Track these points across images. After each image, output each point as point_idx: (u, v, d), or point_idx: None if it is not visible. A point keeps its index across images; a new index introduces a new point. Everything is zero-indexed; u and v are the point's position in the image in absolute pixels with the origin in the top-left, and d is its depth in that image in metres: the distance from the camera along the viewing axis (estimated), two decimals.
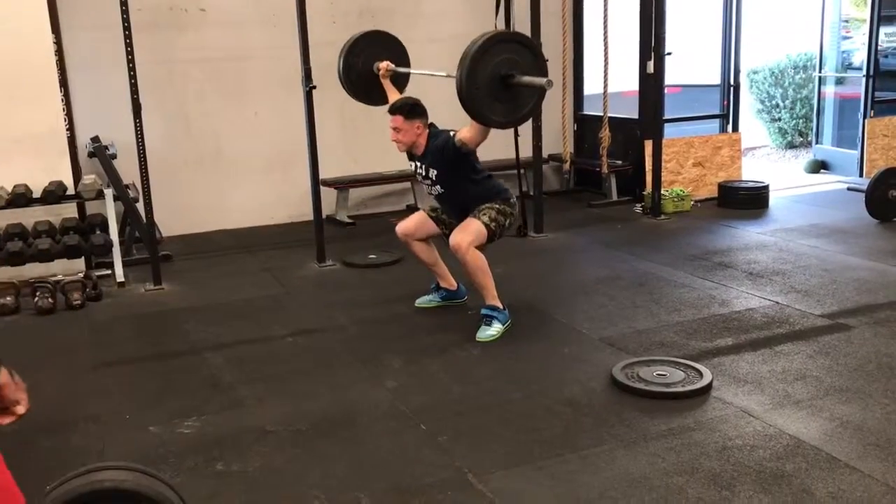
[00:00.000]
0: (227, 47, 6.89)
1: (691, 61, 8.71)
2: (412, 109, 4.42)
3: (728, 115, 8.09)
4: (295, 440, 3.35)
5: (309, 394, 3.81)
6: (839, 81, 9.27)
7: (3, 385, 1.62)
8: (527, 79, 3.75)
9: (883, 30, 8.59)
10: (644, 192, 7.36)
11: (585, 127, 8.23)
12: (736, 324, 4.46)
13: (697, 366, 3.80)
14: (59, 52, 5.96)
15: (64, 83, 5.97)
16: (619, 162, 7.63)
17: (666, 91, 7.40)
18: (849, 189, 7.78)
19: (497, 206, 4.45)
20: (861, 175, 8.41)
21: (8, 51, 5.42)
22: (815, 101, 9.38)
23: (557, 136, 7.46)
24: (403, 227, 4.72)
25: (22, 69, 5.47)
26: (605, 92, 7.14)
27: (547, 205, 6.83)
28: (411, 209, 7.24)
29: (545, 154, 7.07)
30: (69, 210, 5.76)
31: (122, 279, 5.62)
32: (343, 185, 7.20)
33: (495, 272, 4.47)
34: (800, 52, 10.74)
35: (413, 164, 4.59)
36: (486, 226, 4.36)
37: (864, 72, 8.53)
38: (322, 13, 6.62)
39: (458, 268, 4.54)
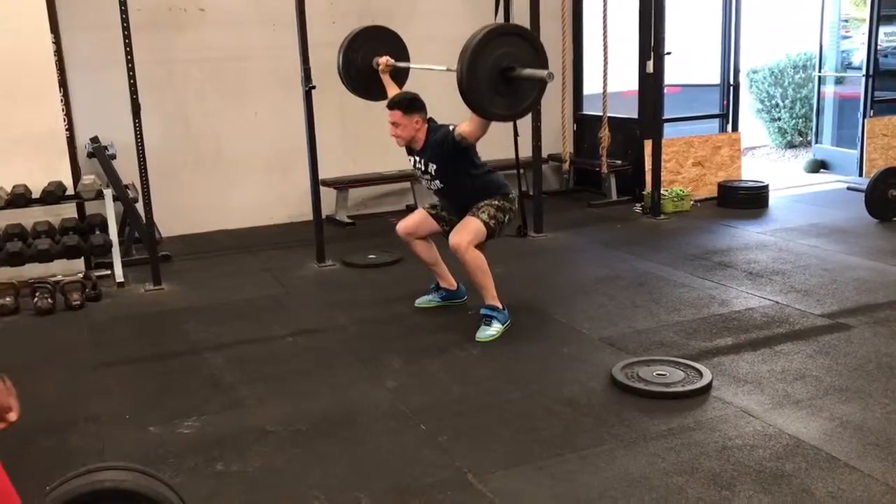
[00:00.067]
0: (226, 47, 6.89)
1: (691, 61, 8.72)
2: (411, 104, 4.42)
3: (728, 115, 8.10)
4: (295, 440, 3.35)
5: (309, 394, 3.81)
6: (839, 81, 9.27)
7: None
8: (528, 71, 3.75)
9: (882, 29, 8.59)
10: (644, 192, 7.36)
11: (585, 127, 8.23)
12: (736, 323, 4.46)
13: (697, 365, 3.80)
14: (59, 53, 5.96)
15: (63, 83, 5.97)
16: (619, 162, 7.63)
17: (665, 91, 7.40)
18: (848, 189, 7.78)
19: (496, 202, 4.45)
20: (861, 175, 8.41)
21: (7, 51, 5.41)
22: (814, 101, 9.39)
23: (557, 135, 7.46)
24: (404, 225, 4.72)
25: (21, 69, 5.47)
26: (604, 92, 7.14)
27: (546, 205, 6.83)
28: (411, 209, 7.24)
29: (545, 154, 7.07)
30: (68, 210, 5.75)
31: (122, 279, 5.62)
32: (343, 185, 7.20)
33: (495, 272, 4.47)
34: (799, 51, 10.74)
35: (412, 158, 4.58)
36: (486, 223, 4.36)
37: (864, 71, 8.54)
38: (321, 13, 6.62)
39: (458, 268, 4.54)
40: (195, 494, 2.88)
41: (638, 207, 7.36)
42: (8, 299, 5.12)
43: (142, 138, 5.41)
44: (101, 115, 6.37)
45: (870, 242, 5.99)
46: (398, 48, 5.10)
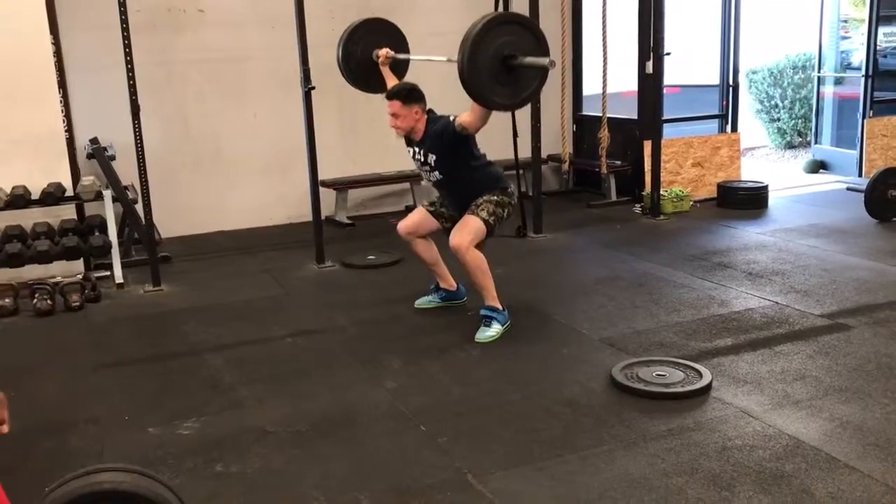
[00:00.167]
0: (225, 48, 6.90)
1: (690, 61, 8.72)
2: (409, 94, 4.41)
3: (727, 116, 8.10)
4: (294, 441, 3.35)
5: (308, 395, 3.80)
6: (838, 81, 9.28)
7: None
8: (529, 59, 3.74)
9: (881, 30, 8.59)
10: (643, 193, 7.36)
11: (584, 127, 8.23)
12: (735, 324, 4.46)
13: (697, 366, 3.80)
14: (58, 54, 5.96)
15: (63, 84, 5.97)
16: (619, 162, 7.63)
17: (665, 91, 7.40)
18: (848, 189, 7.79)
19: (495, 197, 4.44)
20: (860, 175, 8.41)
21: (6, 52, 5.41)
22: (814, 102, 9.39)
23: (556, 136, 7.46)
24: (405, 225, 4.72)
25: (20, 70, 5.47)
26: (604, 92, 7.14)
27: (546, 205, 6.83)
28: (410, 210, 7.24)
29: (544, 154, 7.08)
30: (68, 211, 5.75)
31: (121, 280, 5.62)
32: (342, 185, 7.20)
33: (495, 273, 4.47)
34: (799, 52, 10.75)
35: (411, 149, 4.57)
36: (486, 221, 4.37)
37: (863, 72, 8.54)
38: (321, 14, 6.62)
39: (458, 268, 4.54)
40: (194, 495, 2.87)
41: (637, 208, 7.36)
42: (7, 300, 5.12)
43: (141, 139, 5.41)
44: (101, 116, 6.37)
45: (869, 243, 5.99)
46: (398, 40, 5.09)
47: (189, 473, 3.11)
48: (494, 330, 4.36)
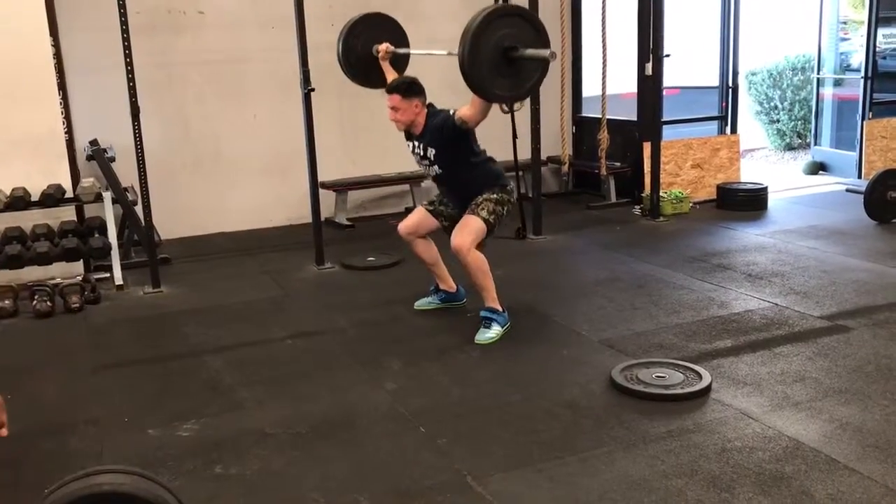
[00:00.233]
0: (225, 50, 6.90)
1: (690, 63, 8.71)
2: (409, 87, 4.41)
3: (726, 117, 8.10)
4: (294, 443, 3.35)
5: (308, 396, 3.80)
6: (837, 83, 9.28)
7: None
8: (530, 51, 3.74)
9: (881, 31, 8.60)
10: (643, 194, 7.36)
11: (584, 129, 8.23)
12: (735, 325, 4.46)
13: (696, 368, 3.80)
14: (58, 55, 5.96)
15: (62, 86, 5.97)
16: (618, 164, 7.63)
17: (664, 93, 7.41)
18: (847, 190, 7.79)
19: (495, 195, 4.44)
20: (859, 176, 8.41)
21: (6, 53, 5.42)
22: (813, 103, 9.39)
23: (556, 138, 7.46)
24: (405, 225, 4.72)
25: (20, 72, 5.47)
26: (603, 94, 7.15)
27: (545, 207, 6.83)
28: (410, 212, 7.23)
29: (544, 156, 7.08)
30: (68, 213, 5.75)
31: (121, 282, 5.62)
32: (342, 187, 7.20)
33: (494, 274, 4.47)
34: (798, 53, 10.75)
35: (411, 143, 4.56)
36: (486, 220, 4.37)
37: (863, 73, 8.54)
38: (320, 16, 6.62)
39: (458, 269, 4.54)
40: (194, 497, 2.87)
41: (637, 209, 7.36)
42: (7, 302, 5.12)
43: (141, 141, 5.41)
44: (101, 118, 6.37)
45: (869, 244, 5.99)
46: (398, 35, 5.08)
47: (188, 475, 3.11)
48: (494, 331, 4.36)
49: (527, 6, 6.26)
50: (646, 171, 7.30)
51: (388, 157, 7.21)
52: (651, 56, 7.05)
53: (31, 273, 5.51)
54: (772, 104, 10.89)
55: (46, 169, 5.62)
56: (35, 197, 5.50)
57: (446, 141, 4.36)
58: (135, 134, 5.36)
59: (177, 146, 6.87)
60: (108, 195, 5.64)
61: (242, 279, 5.81)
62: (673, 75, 7.82)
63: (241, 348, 4.47)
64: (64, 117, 5.85)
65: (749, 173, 8.45)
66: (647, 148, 7.25)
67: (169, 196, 6.56)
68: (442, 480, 3.00)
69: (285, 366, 4.21)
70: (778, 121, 10.86)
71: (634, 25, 7.31)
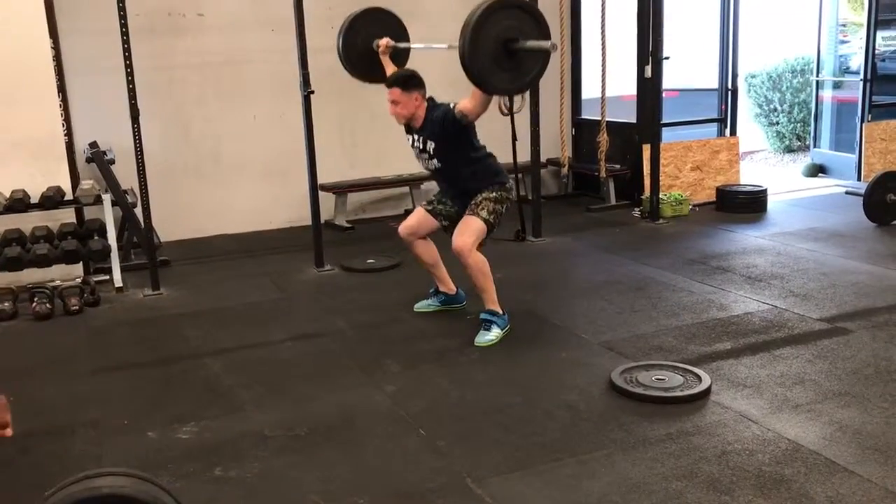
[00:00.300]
0: (225, 52, 6.90)
1: (689, 65, 8.72)
2: (409, 81, 4.41)
3: (726, 119, 8.11)
4: (293, 445, 3.35)
5: (308, 398, 3.80)
6: (837, 85, 9.28)
7: None
8: (531, 43, 3.73)
9: (880, 34, 8.60)
10: (642, 197, 7.37)
11: (583, 131, 8.24)
12: (734, 328, 4.46)
13: (696, 370, 3.80)
14: (58, 57, 5.97)
15: (62, 88, 5.98)
16: (618, 166, 7.63)
17: (664, 95, 7.41)
18: (847, 193, 7.80)
19: (494, 194, 4.44)
20: (859, 179, 8.41)
21: (6, 55, 5.42)
22: (812, 105, 9.39)
23: (555, 140, 7.46)
24: (406, 225, 4.72)
25: (20, 74, 5.47)
26: (603, 96, 7.15)
27: (545, 209, 6.83)
28: (409, 214, 7.24)
29: (543, 158, 7.09)
30: (67, 215, 5.75)
31: (121, 284, 5.62)
32: (341, 189, 7.20)
33: (494, 277, 4.47)
34: (797, 56, 10.75)
35: (410, 137, 4.56)
36: (486, 221, 4.37)
37: (862, 76, 8.54)
38: (320, 18, 6.63)
39: (458, 271, 4.54)
40: (194, 500, 2.88)
41: (636, 212, 7.36)
42: (6, 304, 5.12)
43: (141, 143, 5.41)
44: (100, 120, 6.38)
45: (868, 246, 6.00)
46: (398, 30, 5.08)
47: (188, 478, 3.11)
48: (494, 334, 4.37)
49: None
50: (645, 174, 7.30)
51: (387, 159, 7.22)
52: (650, 58, 7.06)
53: (31, 275, 5.51)
54: (771, 106, 10.90)
55: (46, 171, 5.62)
56: (35, 199, 5.50)
57: (446, 134, 4.36)
58: (134, 136, 5.36)
59: (176, 148, 6.87)
60: (107, 197, 5.64)
61: (242, 281, 5.81)
62: (672, 77, 7.83)
63: (241, 350, 4.47)
64: (64, 119, 5.86)
65: (749, 176, 8.45)
66: (646, 150, 7.25)
67: (168, 198, 6.56)
68: (441, 482, 3.00)
69: (285, 368, 4.20)
70: (777, 123, 10.86)
71: (634, 27, 7.31)
